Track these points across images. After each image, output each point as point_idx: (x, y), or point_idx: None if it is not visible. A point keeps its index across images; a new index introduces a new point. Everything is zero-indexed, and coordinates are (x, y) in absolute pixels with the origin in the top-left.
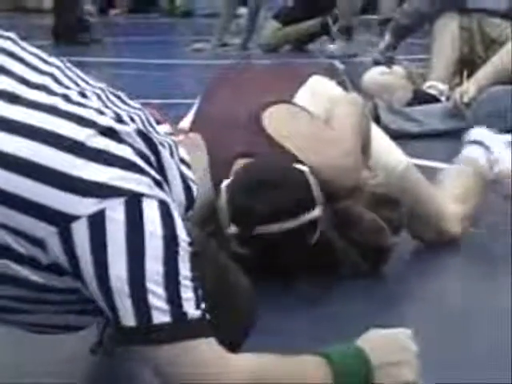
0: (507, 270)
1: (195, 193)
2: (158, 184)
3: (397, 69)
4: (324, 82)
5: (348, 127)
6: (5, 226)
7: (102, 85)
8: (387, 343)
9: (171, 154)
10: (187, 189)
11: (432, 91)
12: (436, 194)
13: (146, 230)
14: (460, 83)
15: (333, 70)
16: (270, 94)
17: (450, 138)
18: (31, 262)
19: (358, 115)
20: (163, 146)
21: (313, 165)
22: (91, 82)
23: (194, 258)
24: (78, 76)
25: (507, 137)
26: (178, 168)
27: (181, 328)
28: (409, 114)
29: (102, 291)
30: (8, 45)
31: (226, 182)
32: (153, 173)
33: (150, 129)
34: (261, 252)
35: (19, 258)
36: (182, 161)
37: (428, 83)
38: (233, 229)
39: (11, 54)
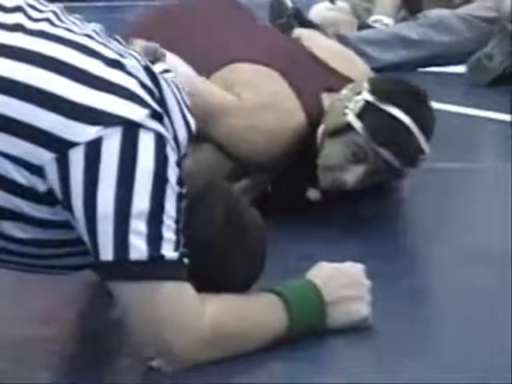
0: None
1: (193, 127)
2: (159, 117)
3: (341, 4)
4: None
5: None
6: (6, 155)
7: (97, 26)
8: (341, 278)
9: (172, 90)
10: (186, 123)
11: (377, 25)
12: None
13: (138, 163)
14: (405, 17)
15: (281, 6)
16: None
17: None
18: (29, 193)
19: None
20: (165, 81)
21: None
22: (86, 24)
23: (202, 195)
24: (75, 17)
25: None
26: (179, 103)
27: (155, 268)
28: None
29: (87, 221)
30: None
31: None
32: (154, 105)
33: (150, 65)
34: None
35: (19, 190)
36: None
37: (373, 17)
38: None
39: None
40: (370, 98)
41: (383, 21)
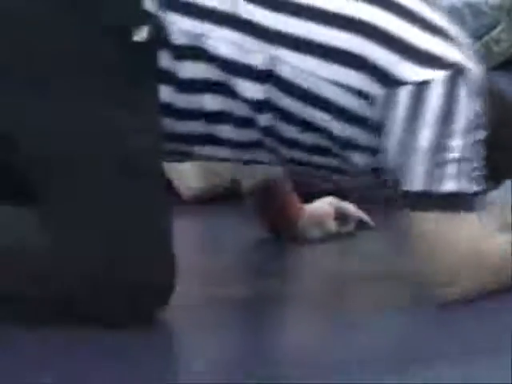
0: None
1: None
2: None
3: None
4: None
5: None
6: (340, 84)
7: None
8: None
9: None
10: None
11: None
12: None
13: (459, 107)
14: None
15: None
16: None
17: None
18: (357, 119)
19: None
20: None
21: None
22: None
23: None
24: None
25: None
26: None
27: (464, 199)
28: None
29: (401, 154)
30: None
31: None
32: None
33: None
34: None
35: (343, 113)
36: None
37: None
38: None
39: None
40: None
41: None
